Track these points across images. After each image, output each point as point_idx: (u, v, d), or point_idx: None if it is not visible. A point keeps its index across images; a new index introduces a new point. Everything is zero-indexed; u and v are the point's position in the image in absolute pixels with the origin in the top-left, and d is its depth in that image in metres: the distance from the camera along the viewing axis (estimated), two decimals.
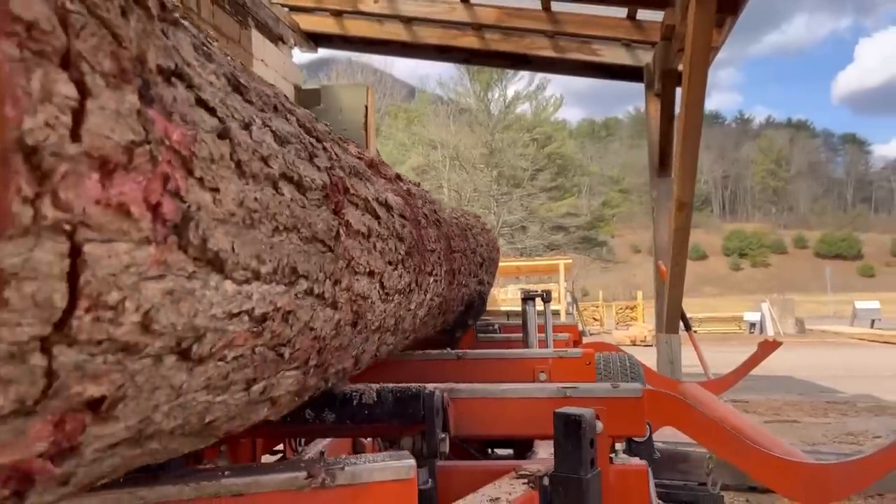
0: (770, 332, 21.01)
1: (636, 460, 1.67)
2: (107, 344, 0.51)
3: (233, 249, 0.67)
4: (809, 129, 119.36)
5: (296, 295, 0.85)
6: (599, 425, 1.53)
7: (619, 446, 1.69)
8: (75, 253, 0.46)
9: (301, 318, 0.88)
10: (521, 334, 2.93)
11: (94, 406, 0.52)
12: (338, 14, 6.84)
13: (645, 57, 6.32)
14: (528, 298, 2.88)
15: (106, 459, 0.58)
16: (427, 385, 1.58)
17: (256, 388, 0.82)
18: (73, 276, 0.47)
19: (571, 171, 67.25)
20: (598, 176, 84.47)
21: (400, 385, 1.57)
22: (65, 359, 0.48)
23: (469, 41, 6.79)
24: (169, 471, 0.95)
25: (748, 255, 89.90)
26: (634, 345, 16.90)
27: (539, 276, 21.02)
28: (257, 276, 0.73)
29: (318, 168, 1.02)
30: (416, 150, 50.38)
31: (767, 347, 3.95)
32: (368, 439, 2.23)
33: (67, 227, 0.46)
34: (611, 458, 1.64)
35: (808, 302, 43.51)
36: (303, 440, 2.03)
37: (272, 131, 0.86)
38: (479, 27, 6.60)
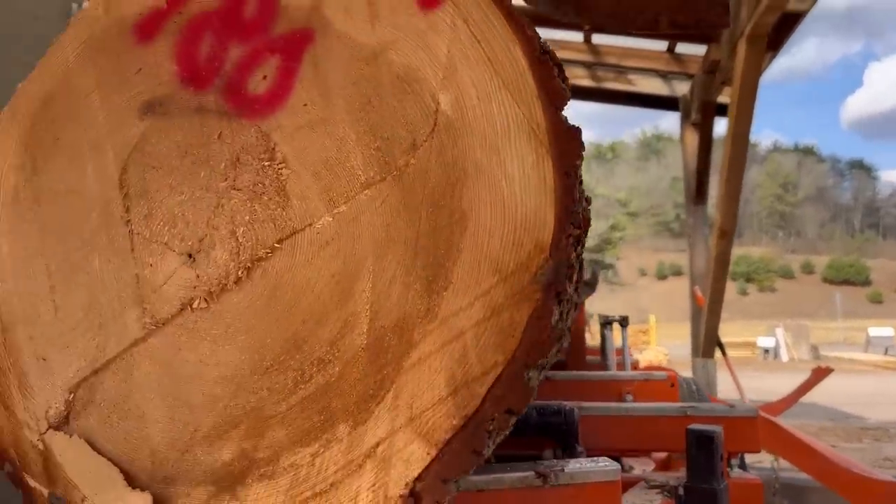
0: (784, 358, 21.03)
1: (750, 475, 1.81)
2: None
3: None
4: (816, 154, 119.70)
5: None
6: None
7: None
8: None
9: None
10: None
11: None
12: None
13: (681, 88, 6.51)
14: (606, 323, 3.03)
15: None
16: (564, 402, 1.73)
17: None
18: None
19: None
20: (604, 199, 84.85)
21: (539, 402, 1.72)
22: None
23: None
24: None
25: (755, 280, 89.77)
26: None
27: None
28: None
29: None
30: None
31: (820, 373, 4.08)
32: None
33: None
34: (727, 473, 1.78)
35: (818, 328, 43.41)
36: None
37: None
38: None
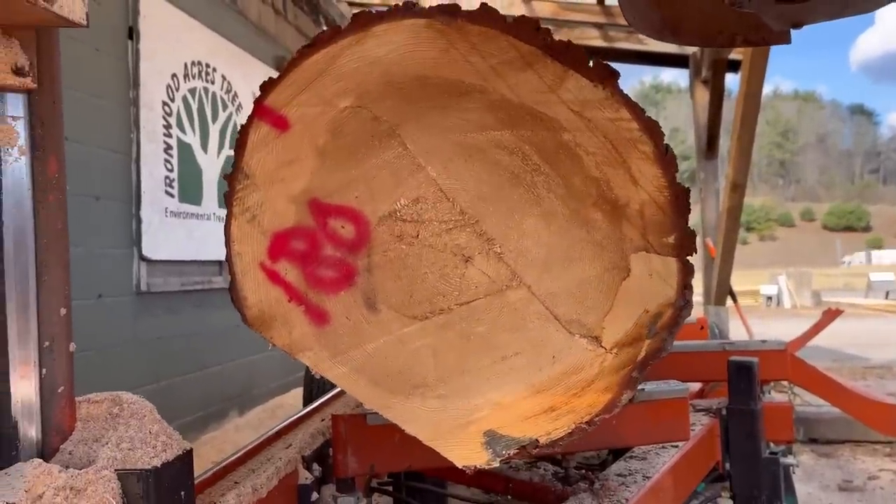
0: (787, 304, 21.42)
1: (781, 399, 2.11)
2: None
3: None
4: (817, 100, 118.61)
5: None
6: None
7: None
8: None
9: None
10: None
11: None
12: None
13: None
14: None
15: None
16: None
17: None
18: None
19: None
20: None
21: None
22: None
23: None
24: None
25: (755, 229, 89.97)
26: None
27: None
28: None
29: None
30: None
31: (831, 315, 4.37)
32: None
33: None
34: (761, 397, 2.07)
35: (819, 274, 43.66)
36: None
37: None
38: None
